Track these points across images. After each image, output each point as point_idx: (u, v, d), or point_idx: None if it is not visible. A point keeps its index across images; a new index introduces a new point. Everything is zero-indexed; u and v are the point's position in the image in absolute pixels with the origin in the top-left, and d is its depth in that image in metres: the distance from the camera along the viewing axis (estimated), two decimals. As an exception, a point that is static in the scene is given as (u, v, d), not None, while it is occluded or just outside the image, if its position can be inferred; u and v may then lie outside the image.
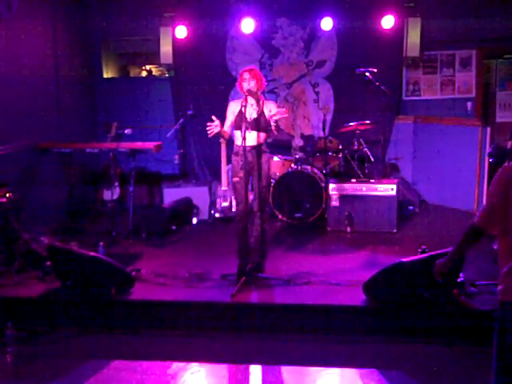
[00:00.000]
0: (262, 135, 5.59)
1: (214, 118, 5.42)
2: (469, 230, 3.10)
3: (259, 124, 5.52)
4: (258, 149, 5.57)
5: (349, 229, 7.28)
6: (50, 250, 5.45)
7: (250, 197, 5.89)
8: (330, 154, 7.81)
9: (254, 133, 5.50)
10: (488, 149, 7.52)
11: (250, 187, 5.76)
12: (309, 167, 7.64)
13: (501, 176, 3.01)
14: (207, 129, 5.43)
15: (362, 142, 7.74)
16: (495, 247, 4.90)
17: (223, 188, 6.58)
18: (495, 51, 9.16)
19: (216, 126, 5.41)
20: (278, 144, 7.75)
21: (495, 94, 9.54)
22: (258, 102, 5.57)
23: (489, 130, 7.96)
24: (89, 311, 5.18)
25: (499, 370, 2.98)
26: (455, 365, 4.36)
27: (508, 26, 8.31)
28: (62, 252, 5.40)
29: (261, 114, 5.54)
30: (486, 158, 7.45)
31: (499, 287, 3.01)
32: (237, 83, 5.67)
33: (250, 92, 5.45)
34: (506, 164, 3.02)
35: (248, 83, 5.49)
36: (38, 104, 7.58)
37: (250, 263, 5.56)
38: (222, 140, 5.81)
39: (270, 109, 5.53)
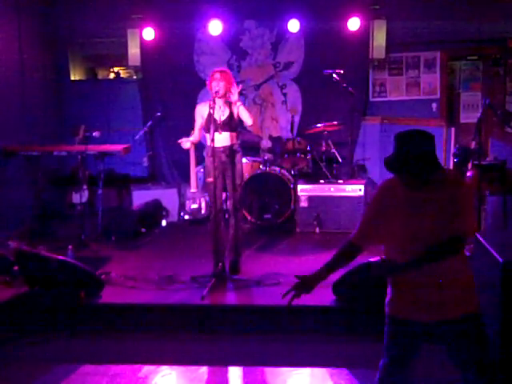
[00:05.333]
0: (234, 135, 5.68)
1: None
2: (345, 245, 3.01)
3: (230, 124, 5.61)
4: (230, 149, 5.66)
5: (317, 229, 7.34)
6: (18, 254, 5.39)
7: (224, 196, 5.96)
8: (298, 155, 7.86)
9: (225, 133, 5.57)
10: (453, 149, 7.65)
11: (223, 187, 5.82)
12: (277, 168, 7.68)
13: (378, 192, 2.97)
14: (178, 141, 5.78)
15: (329, 143, 7.81)
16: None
17: (192, 190, 6.62)
18: (459, 53, 9.32)
19: (186, 141, 5.75)
20: (247, 145, 7.75)
21: (459, 95, 9.72)
22: (225, 102, 5.63)
23: (453, 130, 8.10)
24: (58, 316, 5.12)
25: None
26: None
27: (471, 29, 8.46)
28: (30, 256, 5.34)
29: (230, 114, 5.61)
30: (451, 157, 7.58)
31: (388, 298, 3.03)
32: (207, 82, 5.70)
33: (217, 93, 5.49)
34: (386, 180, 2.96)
35: (217, 84, 5.52)
36: (2, 106, 7.48)
37: (224, 261, 5.63)
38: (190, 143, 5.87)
39: (238, 111, 5.65)
